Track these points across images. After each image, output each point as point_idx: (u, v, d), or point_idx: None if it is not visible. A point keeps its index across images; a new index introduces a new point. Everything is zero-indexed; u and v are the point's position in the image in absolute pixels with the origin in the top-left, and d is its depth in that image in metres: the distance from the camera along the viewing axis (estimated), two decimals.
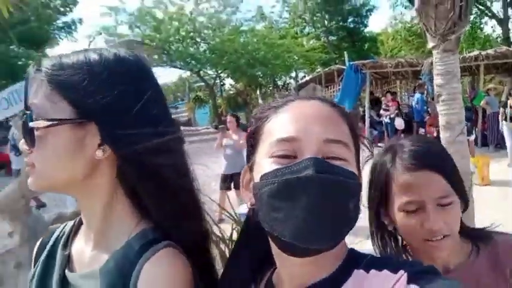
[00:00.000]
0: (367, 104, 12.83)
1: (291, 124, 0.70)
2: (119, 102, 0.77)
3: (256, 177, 0.71)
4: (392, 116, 11.75)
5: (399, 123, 11.92)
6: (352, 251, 0.75)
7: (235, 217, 3.30)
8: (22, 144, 0.78)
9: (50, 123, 0.75)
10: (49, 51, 19.82)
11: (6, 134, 8.48)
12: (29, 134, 0.77)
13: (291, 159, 0.67)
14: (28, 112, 0.77)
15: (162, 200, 0.83)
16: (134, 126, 0.78)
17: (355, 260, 0.71)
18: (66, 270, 0.84)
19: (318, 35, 29.34)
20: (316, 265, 0.69)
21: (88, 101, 0.76)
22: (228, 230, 3.20)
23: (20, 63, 17.19)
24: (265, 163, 0.70)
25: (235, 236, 3.15)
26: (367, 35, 31.54)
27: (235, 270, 0.86)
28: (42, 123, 0.75)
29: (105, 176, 0.81)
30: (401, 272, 0.64)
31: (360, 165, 0.76)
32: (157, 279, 0.75)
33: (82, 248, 0.87)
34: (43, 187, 0.80)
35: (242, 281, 0.84)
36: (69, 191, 0.85)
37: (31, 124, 0.76)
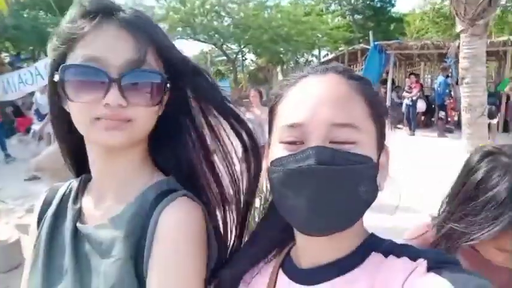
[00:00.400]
0: (389, 85, 12.78)
1: (298, 108, 0.69)
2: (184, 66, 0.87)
3: (269, 160, 0.73)
4: (414, 98, 11.70)
5: (421, 105, 11.88)
6: (372, 235, 0.76)
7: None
8: (117, 99, 0.73)
9: (166, 82, 0.81)
10: None
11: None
12: (148, 91, 0.78)
13: (298, 145, 0.68)
14: (153, 71, 0.79)
15: (181, 153, 0.89)
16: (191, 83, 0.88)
17: (374, 244, 0.72)
18: (78, 223, 0.85)
19: (344, 13, 28.90)
20: (332, 244, 0.71)
21: (175, 63, 0.84)
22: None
23: (48, 29, 17.51)
24: (276, 148, 0.71)
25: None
26: (394, 15, 30.90)
27: (257, 239, 0.87)
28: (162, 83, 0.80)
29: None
30: (421, 260, 0.64)
31: (384, 139, 0.74)
32: (174, 225, 0.77)
33: (94, 202, 0.87)
34: (130, 140, 0.79)
35: (261, 250, 0.87)
36: (135, 145, 0.85)
37: (156, 81, 0.79)
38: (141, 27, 0.76)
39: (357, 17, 29.88)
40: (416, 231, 1.29)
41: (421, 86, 12.89)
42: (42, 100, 6.92)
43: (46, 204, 0.93)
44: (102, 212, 0.84)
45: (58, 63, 0.77)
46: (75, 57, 0.74)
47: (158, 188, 0.82)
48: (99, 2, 0.77)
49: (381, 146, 0.72)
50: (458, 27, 2.69)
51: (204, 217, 0.83)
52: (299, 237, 0.76)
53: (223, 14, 20.61)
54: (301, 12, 22.25)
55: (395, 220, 2.93)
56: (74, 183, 0.93)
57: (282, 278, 0.78)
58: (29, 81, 5.10)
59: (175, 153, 0.89)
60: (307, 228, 0.67)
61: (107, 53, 0.73)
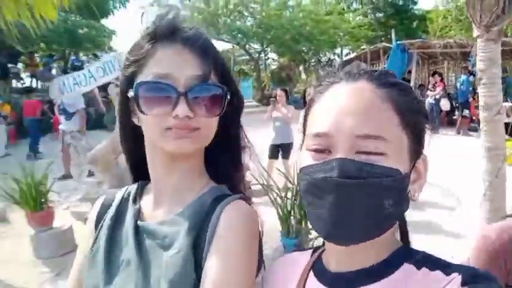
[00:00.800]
0: (412, 84, 12.82)
1: (324, 117, 0.70)
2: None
3: (300, 166, 0.73)
4: (437, 97, 11.75)
5: (444, 103, 11.91)
6: (405, 245, 0.75)
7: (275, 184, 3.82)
8: (185, 111, 0.81)
9: (228, 95, 0.88)
10: (104, 21, 20.76)
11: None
12: (211, 103, 0.85)
13: (326, 154, 0.68)
14: (219, 85, 0.86)
15: (227, 160, 0.96)
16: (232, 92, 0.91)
17: (406, 254, 0.71)
18: (138, 221, 0.90)
19: (365, 12, 28.79)
20: (360, 253, 0.71)
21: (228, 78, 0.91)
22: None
23: (81, 31, 18.13)
24: (305, 154, 0.72)
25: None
26: (416, 12, 30.58)
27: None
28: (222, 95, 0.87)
29: None
30: (455, 274, 0.63)
31: (422, 147, 0.73)
32: (236, 223, 0.81)
33: (153, 203, 0.93)
34: (196, 146, 0.86)
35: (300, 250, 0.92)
36: (195, 154, 0.91)
37: (218, 93, 0.86)
38: (202, 45, 0.84)
39: (378, 15, 29.69)
40: (497, 234, 1.26)
41: (444, 84, 12.90)
42: (69, 100, 7.29)
43: (104, 208, 0.99)
44: (161, 212, 0.89)
45: (129, 81, 0.85)
46: (146, 75, 0.82)
47: (214, 193, 0.88)
48: (163, 25, 0.85)
49: (415, 154, 0.71)
50: (475, 33, 2.90)
51: (258, 219, 0.87)
52: (327, 244, 0.77)
53: (245, 14, 20.94)
54: (323, 11, 22.36)
55: (424, 215, 3.17)
56: (132, 187, 0.99)
57: (312, 279, 0.79)
58: (83, 83, 5.54)
59: (226, 162, 0.96)
60: (329, 238, 0.68)
61: (174, 70, 0.81)
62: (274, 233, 3.69)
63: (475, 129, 11.16)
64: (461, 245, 3.75)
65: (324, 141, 0.68)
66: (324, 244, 0.82)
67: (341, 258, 0.74)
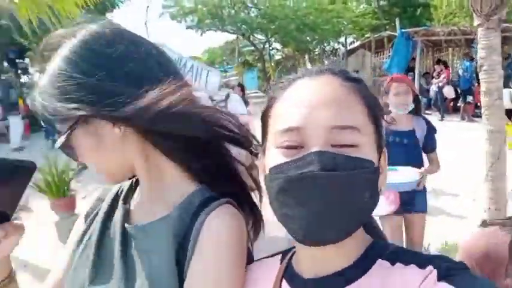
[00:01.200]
0: (416, 71, 12.92)
1: (294, 111, 0.66)
2: (100, 87, 0.77)
3: (267, 167, 0.69)
4: (440, 84, 11.83)
5: (448, 91, 12.00)
6: (375, 241, 0.73)
7: None
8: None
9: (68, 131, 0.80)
10: (109, 15, 20.82)
11: None
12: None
13: (298, 150, 0.65)
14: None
15: (199, 159, 0.86)
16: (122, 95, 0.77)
17: (378, 250, 0.69)
18: (126, 224, 0.86)
19: (369, 1, 28.69)
20: (336, 253, 0.68)
21: (80, 99, 0.76)
22: None
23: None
24: (273, 154, 0.68)
25: None
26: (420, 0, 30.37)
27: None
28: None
29: (135, 148, 0.83)
30: (430, 267, 0.62)
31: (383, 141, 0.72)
32: (219, 230, 0.77)
33: (142, 203, 0.90)
34: (113, 181, 0.90)
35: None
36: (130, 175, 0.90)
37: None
38: None
39: (382, 3, 29.58)
40: (475, 241, 1.27)
41: (449, 72, 12.98)
42: None
43: (98, 201, 0.98)
44: (150, 212, 0.85)
45: None
46: None
47: (202, 194, 0.83)
48: None
49: (380, 148, 0.70)
50: (476, 22, 3.06)
51: (245, 225, 0.84)
52: (299, 246, 0.72)
53: (249, 5, 21.00)
54: (327, 0, 22.36)
55: (430, 200, 3.33)
56: (126, 184, 0.97)
57: (285, 287, 0.74)
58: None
59: (214, 161, 0.89)
60: (309, 238, 0.64)
61: None
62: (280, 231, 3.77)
63: (480, 115, 11.16)
64: (466, 228, 3.90)
65: (296, 136, 0.65)
66: (292, 248, 0.79)
67: (314, 262, 0.70)
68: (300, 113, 0.65)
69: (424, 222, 3.33)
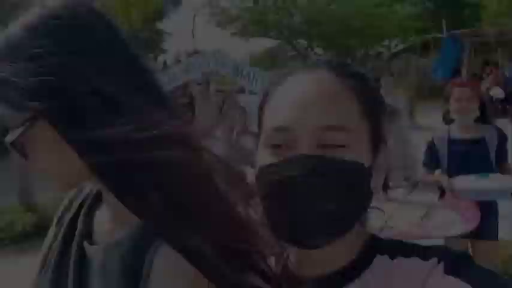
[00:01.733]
0: (463, 74, 12.64)
1: (283, 109, 0.65)
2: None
3: (257, 165, 0.68)
4: (488, 85, 11.53)
5: (495, 92, 11.69)
6: (373, 236, 0.70)
7: None
8: None
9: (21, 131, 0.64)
10: (159, 24, 21.64)
11: None
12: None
13: (286, 149, 0.63)
14: None
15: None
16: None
17: (376, 246, 0.68)
18: (84, 242, 0.77)
19: (415, 3, 28.16)
20: (328, 254, 0.66)
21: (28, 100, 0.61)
22: None
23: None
24: (263, 152, 0.67)
25: None
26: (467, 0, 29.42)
27: None
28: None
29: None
30: (435, 259, 0.60)
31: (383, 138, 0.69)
32: (168, 265, 0.67)
33: (104, 215, 0.79)
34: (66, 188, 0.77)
35: None
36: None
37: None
38: None
39: (428, 4, 28.95)
40: None
41: (497, 73, 12.65)
42: None
43: (69, 204, 0.87)
44: (109, 230, 0.76)
45: None
46: None
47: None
48: None
49: (377, 146, 0.68)
50: None
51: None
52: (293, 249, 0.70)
53: (293, 10, 21.22)
54: (372, 3, 22.17)
55: None
56: (93, 191, 0.83)
57: None
58: None
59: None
60: (294, 243, 0.64)
61: None
62: None
63: None
64: None
65: (284, 136, 0.64)
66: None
67: (308, 264, 0.69)
68: (288, 112, 0.64)
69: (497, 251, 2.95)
